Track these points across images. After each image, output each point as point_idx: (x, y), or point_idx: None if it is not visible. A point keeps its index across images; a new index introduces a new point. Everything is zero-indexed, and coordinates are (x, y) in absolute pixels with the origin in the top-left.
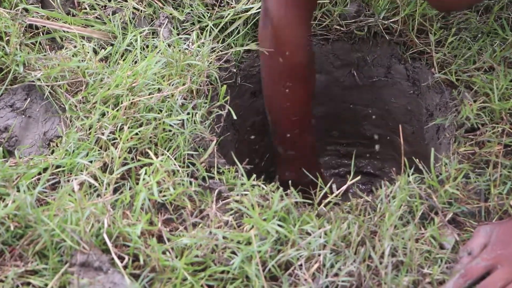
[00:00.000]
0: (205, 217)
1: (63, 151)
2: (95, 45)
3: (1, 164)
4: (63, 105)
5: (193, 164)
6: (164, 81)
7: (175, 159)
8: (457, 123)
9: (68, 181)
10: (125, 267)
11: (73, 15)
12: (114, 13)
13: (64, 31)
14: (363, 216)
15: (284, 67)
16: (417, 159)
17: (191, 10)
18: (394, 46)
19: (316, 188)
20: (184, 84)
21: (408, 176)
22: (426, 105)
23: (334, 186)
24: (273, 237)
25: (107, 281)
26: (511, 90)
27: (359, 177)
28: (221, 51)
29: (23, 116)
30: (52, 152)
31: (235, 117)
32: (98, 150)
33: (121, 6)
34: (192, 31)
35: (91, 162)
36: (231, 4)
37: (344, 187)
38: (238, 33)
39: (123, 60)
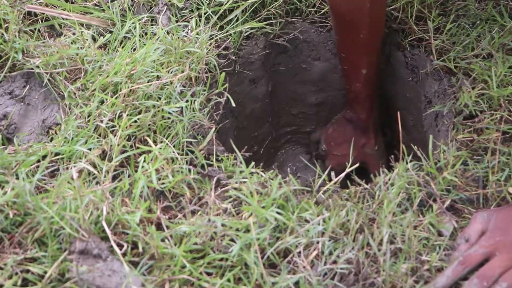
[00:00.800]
0: (204, 204)
1: (62, 138)
2: (94, 32)
3: (0, 151)
4: (62, 92)
5: (192, 152)
6: (163, 68)
7: (174, 146)
8: (455, 110)
9: (67, 168)
10: (124, 254)
11: (72, 2)
12: (113, 0)
13: (63, 18)
14: (362, 204)
15: None
16: (415, 146)
17: None
18: (392, 33)
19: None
20: (183, 72)
21: (407, 163)
22: (424, 92)
23: (332, 173)
24: (271, 225)
25: (106, 269)
26: (509, 77)
27: (357, 165)
28: (220, 38)
29: (22, 103)
30: (51, 139)
31: (234, 105)
32: (97, 138)
33: None
34: (191, 18)
35: (90, 149)
36: None
37: (342, 175)
38: (237, 20)
39: (122, 48)
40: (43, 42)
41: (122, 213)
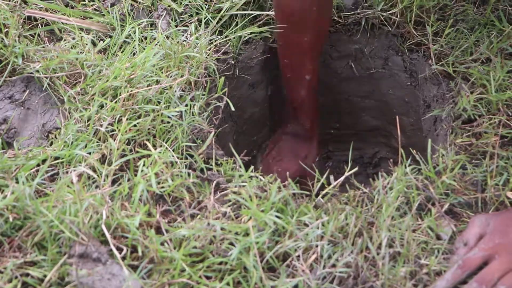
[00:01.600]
0: (203, 208)
1: (62, 142)
2: (94, 37)
3: (0, 155)
4: (62, 96)
5: (191, 156)
6: (162, 73)
7: (173, 150)
8: (454, 115)
9: (67, 172)
10: (123, 258)
11: (72, 7)
12: (112, 5)
13: (62, 23)
14: (361, 207)
15: None
16: (414, 150)
17: (189, 2)
18: (391, 37)
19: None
20: (182, 76)
21: (405, 167)
22: (423, 97)
23: (331, 177)
24: (270, 228)
25: (106, 272)
26: (508, 81)
27: (356, 168)
28: (219, 43)
29: (22, 107)
30: (51, 143)
31: (233, 109)
32: (97, 142)
33: None
34: (191, 23)
35: (89, 153)
36: None
37: (341, 179)
38: (237, 25)
39: (122, 52)
40: (43, 47)
41: (121, 217)
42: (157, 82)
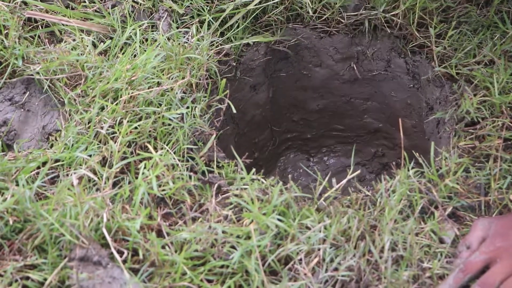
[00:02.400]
0: (205, 211)
1: (62, 145)
2: (94, 39)
3: (0, 158)
4: (62, 98)
5: (193, 158)
6: (163, 74)
7: (174, 153)
8: (457, 117)
9: (67, 175)
10: (124, 261)
11: (72, 8)
12: (113, 6)
13: (63, 25)
14: (363, 211)
15: None
16: (417, 153)
17: (191, 3)
18: (394, 39)
19: None
20: (183, 78)
21: (408, 170)
22: (426, 99)
23: (333, 180)
24: (272, 232)
25: (106, 276)
26: (511, 84)
27: (358, 171)
28: (221, 44)
29: (22, 109)
30: (51, 146)
31: (234, 111)
32: (97, 144)
33: (121, 0)
34: (192, 24)
35: (90, 156)
36: None
37: (343, 181)
38: (238, 27)
39: (122, 54)
40: (43, 48)
41: (122, 220)
42: (158, 84)
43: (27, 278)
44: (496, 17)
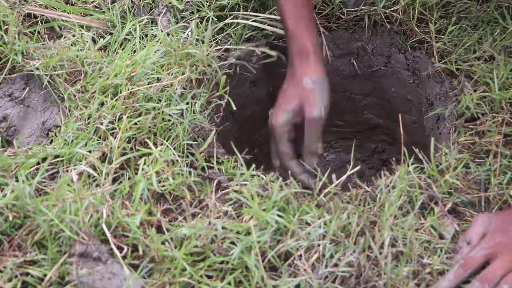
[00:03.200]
0: (204, 207)
1: (62, 140)
2: (94, 34)
3: (0, 154)
4: (62, 94)
5: (193, 154)
6: (163, 70)
7: (174, 149)
8: (457, 113)
9: (67, 171)
10: (124, 257)
11: (72, 4)
12: (113, 2)
13: (62, 20)
14: (363, 206)
15: None
16: (417, 149)
17: None
18: (394, 35)
19: None
20: (183, 74)
21: (408, 166)
22: (426, 95)
23: (333, 176)
24: (272, 227)
25: (106, 271)
26: (511, 79)
27: (358, 167)
28: (221, 40)
29: (22, 105)
30: (51, 141)
31: (234, 107)
32: (97, 140)
33: None
34: (191, 20)
35: (90, 152)
36: None
37: (343, 177)
38: (238, 23)
39: (122, 49)
40: (43, 44)
41: (122, 215)
42: (158, 79)
43: (27, 274)
44: (496, 13)
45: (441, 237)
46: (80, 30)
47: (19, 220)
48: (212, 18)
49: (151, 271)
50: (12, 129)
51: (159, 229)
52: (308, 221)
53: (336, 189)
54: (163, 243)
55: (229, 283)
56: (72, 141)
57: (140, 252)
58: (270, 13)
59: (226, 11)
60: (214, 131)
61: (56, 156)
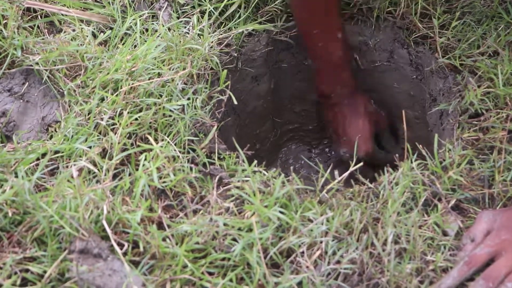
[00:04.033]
0: (206, 203)
1: (62, 136)
2: (94, 29)
3: None
4: (62, 89)
5: (194, 150)
6: (164, 65)
7: (175, 144)
8: (460, 109)
9: (67, 166)
10: (124, 254)
11: None
12: None
13: (62, 15)
14: (366, 203)
15: None
16: (420, 145)
17: None
18: (397, 30)
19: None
20: (184, 69)
21: (411, 162)
22: (429, 90)
23: (336, 172)
24: (274, 224)
25: (107, 268)
26: None
27: (361, 163)
28: (222, 35)
29: (21, 100)
30: (51, 137)
31: (235, 102)
32: (97, 136)
33: None
34: (193, 14)
35: (90, 147)
36: None
37: (346, 174)
38: (239, 17)
39: (123, 44)
40: (43, 39)
41: (122, 212)
42: (159, 75)
43: (27, 270)
44: (500, 8)
45: (445, 234)
46: (80, 25)
47: (18, 216)
48: (213, 12)
49: (152, 268)
50: (11, 124)
51: (160, 226)
52: (311, 217)
53: (339, 185)
54: (164, 239)
55: (230, 280)
56: (72, 136)
57: (141, 249)
58: (271, 8)
59: (227, 4)
60: (215, 127)
61: (56, 152)
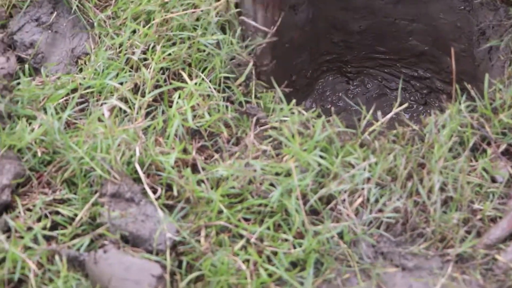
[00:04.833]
0: (242, 146)
1: (92, 70)
2: None
3: (27, 83)
4: (92, 20)
5: (229, 88)
6: None
7: (210, 81)
8: None
9: (97, 102)
10: (157, 198)
11: None
12: None
13: None
14: (410, 147)
15: None
16: (469, 85)
17: None
18: None
19: None
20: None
21: (460, 103)
22: (477, 23)
23: (379, 113)
24: (314, 170)
25: (139, 213)
26: None
27: (406, 104)
28: None
29: (50, 31)
30: (80, 70)
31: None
32: (129, 71)
33: None
34: None
35: (121, 83)
36: None
37: (389, 115)
38: None
39: None
40: None
41: (155, 153)
42: (194, 6)
43: (57, 213)
44: None
45: (494, 180)
46: None
47: (48, 156)
48: None
49: (186, 213)
50: (39, 56)
51: (194, 168)
52: (352, 162)
53: (381, 127)
54: (198, 183)
55: (268, 228)
56: (102, 71)
57: (175, 193)
58: None
59: None
60: (251, 63)
61: (86, 88)
